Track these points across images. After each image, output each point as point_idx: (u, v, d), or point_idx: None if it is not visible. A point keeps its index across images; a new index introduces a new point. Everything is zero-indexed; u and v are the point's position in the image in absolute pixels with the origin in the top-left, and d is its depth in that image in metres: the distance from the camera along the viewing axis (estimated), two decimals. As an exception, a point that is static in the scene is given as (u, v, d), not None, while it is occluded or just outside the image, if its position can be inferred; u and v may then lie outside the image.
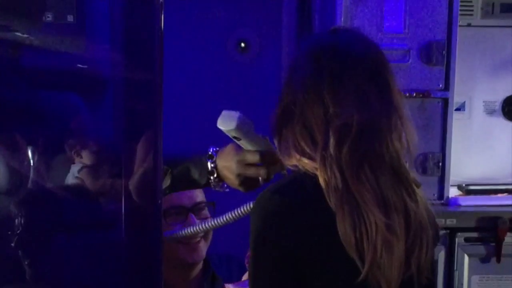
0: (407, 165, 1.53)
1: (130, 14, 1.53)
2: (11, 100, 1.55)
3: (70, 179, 1.65)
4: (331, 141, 1.46)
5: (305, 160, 1.50)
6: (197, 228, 1.84)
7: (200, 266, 2.22)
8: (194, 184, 1.87)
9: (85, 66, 1.61)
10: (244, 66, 3.41)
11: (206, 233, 2.16)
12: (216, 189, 1.87)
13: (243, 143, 1.74)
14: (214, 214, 2.18)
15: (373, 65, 1.52)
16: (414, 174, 1.58)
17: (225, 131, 1.71)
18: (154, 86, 1.54)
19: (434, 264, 1.65)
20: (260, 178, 1.75)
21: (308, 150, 1.50)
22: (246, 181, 1.77)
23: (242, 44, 3.41)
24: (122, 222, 1.59)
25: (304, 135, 1.51)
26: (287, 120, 1.54)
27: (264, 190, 1.56)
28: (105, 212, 1.68)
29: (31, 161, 1.58)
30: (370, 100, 1.47)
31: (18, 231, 1.59)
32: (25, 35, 1.52)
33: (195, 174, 1.84)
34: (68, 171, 1.64)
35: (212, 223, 1.80)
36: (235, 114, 1.68)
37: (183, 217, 2.15)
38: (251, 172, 1.75)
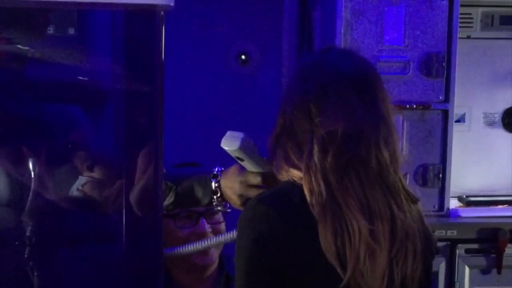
0: (404, 177, 1.54)
1: (131, 27, 1.54)
2: (13, 112, 1.55)
3: (71, 192, 1.65)
4: (315, 149, 1.48)
5: (293, 171, 1.53)
6: (189, 248, 1.88)
7: (213, 267, 2.23)
8: (197, 202, 1.90)
9: (86, 79, 1.62)
10: (245, 78, 3.42)
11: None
12: (219, 208, 1.90)
13: (246, 164, 1.76)
14: (226, 219, 2.19)
15: (359, 79, 1.54)
16: (413, 188, 1.59)
17: (228, 151, 1.73)
18: (154, 99, 1.55)
19: (428, 279, 1.63)
20: None
21: (296, 161, 1.53)
22: None
23: (243, 57, 3.41)
24: (123, 234, 1.60)
25: (293, 148, 1.54)
26: (280, 137, 1.57)
27: (251, 199, 1.59)
28: (106, 224, 1.68)
29: (32, 173, 1.59)
30: (355, 111, 1.50)
31: (20, 244, 1.59)
32: (26, 48, 1.53)
33: (199, 192, 1.87)
34: (69, 184, 1.64)
35: (203, 244, 1.86)
36: (239, 135, 1.71)
37: (194, 221, 2.15)
38: (253, 193, 1.77)
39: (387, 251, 1.48)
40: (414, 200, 1.57)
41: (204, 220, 2.15)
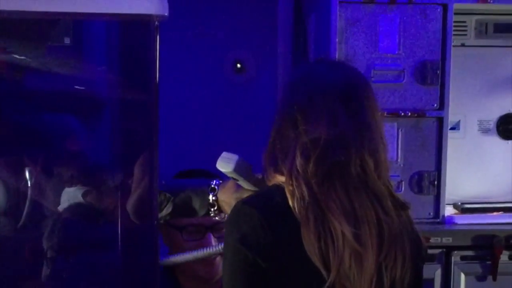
0: (400, 184, 1.56)
1: (126, 37, 1.55)
2: (9, 121, 1.56)
3: (67, 200, 1.65)
4: (298, 155, 1.50)
5: (279, 177, 1.56)
6: (180, 257, 1.91)
7: (219, 276, 2.23)
8: (194, 214, 1.93)
9: (82, 88, 1.63)
10: (240, 86, 3.43)
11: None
12: (217, 218, 1.92)
13: (241, 183, 1.80)
14: None
15: (345, 88, 1.56)
16: (408, 196, 1.60)
17: (223, 172, 1.76)
18: (150, 107, 1.56)
19: (418, 284, 1.64)
20: None
21: (282, 168, 1.56)
22: None
23: (238, 65, 3.42)
24: (119, 242, 1.60)
25: (280, 156, 1.56)
26: (271, 146, 1.60)
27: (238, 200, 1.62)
28: (102, 233, 1.68)
29: (29, 182, 1.59)
30: (339, 119, 1.52)
31: (17, 252, 1.60)
32: (22, 57, 1.54)
33: (196, 204, 1.90)
34: (65, 193, 1.65)
35: (193, 254, 1.89)
36: (233, 158, 1.76)
37: (201, 235, 2.16)
38: None
39: (375, 255, 1.49)
40: (404, 207, 1.58)
41: (211, 235, 2.16)
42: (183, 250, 2.13)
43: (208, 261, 2.15)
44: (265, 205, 1.53)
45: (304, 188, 1.48)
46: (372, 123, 1.55)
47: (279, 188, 1.54)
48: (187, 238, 2.15)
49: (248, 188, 1.81)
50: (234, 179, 1.79)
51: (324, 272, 1.47)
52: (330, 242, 1.46)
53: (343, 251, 1.46)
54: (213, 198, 1.87)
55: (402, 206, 1.57)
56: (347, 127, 1.51)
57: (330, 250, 1.46)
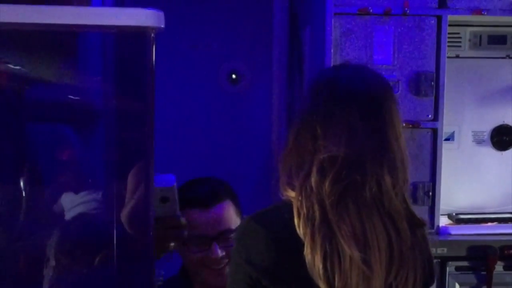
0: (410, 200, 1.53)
1: (122, 48, 1.55)
2: (4, 131, 1.56)
3: (61, 210, 1.65)
4: (314, 172, 1.48)
5: (290, 190, 1.53)
6: None
7: None
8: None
9: (77, 98, 1.63)
10: (236, 97, 3.44)
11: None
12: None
13: (166, 206, 1.72)
14: None
15: (368, 103, 1.53)
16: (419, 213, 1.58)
17: (160, 190, 1.71)
18: (145, 118, 1.56)
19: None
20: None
21: (295, 180, 1.53)
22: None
23: (233, 76, 3.43)
24: (114, 252, 1.60)
25: (295, 167, 1.53)
26: (287, 154, 1.57)
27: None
28: (96, 243, 1.68)
29: (24, 193, 1.59)
30: (358, 136, 1.48)
31: (9, 265, 1.59)
32: (17, 67, 1.54)
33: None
34: (60, 204, 1.65)
35: None
36: (171, 176, 1.72)
37: (206, 246, 2.15)
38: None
39: (384, 277, 1.47)
40: (420, 224, 1.56)
41: (216, 245, 2.15)
42: (192, 261, 2.13)
43: (217, 271, 2.15)
44: (271, 223, 1.51)
45: (316, 208, 1.46)
46: (392, 139, 1.52)
47: (287, 205, 1.51)
48: (194, 250, 2.14)
49: (170, 213, 1.71)
50: (163, 199, 1.71)
51: None
52: (337, 263, 1.44)
53: (350, 272, 1.44)
54: None
55: (418, 224, 1.55)
56: (366, 145, 1.48)
57: (336, 271, 1.44)
